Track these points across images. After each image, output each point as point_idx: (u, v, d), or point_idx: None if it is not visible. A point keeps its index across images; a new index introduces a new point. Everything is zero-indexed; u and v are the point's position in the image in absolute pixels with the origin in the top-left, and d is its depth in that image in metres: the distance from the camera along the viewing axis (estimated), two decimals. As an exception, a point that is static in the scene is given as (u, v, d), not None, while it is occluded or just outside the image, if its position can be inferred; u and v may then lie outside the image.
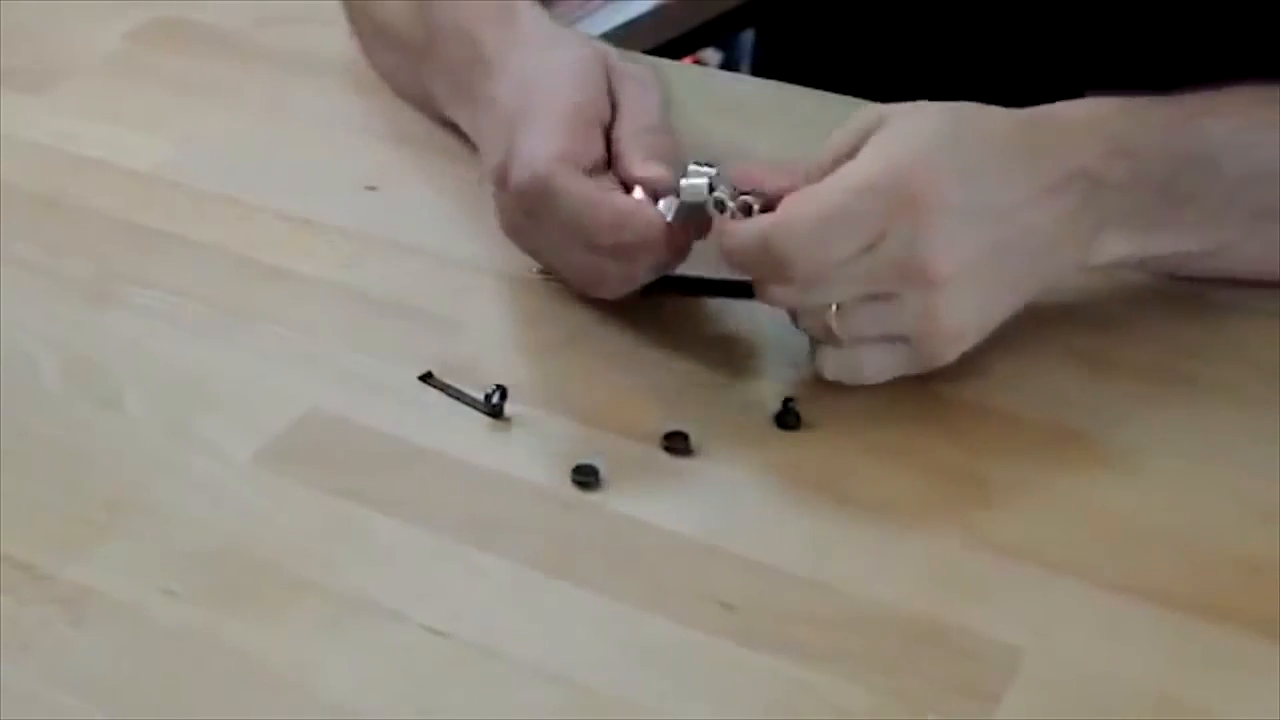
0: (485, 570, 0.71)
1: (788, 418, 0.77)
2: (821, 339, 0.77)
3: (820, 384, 0.78)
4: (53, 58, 1.07)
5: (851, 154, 0.75)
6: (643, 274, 0.81)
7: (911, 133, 0.75)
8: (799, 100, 1.00)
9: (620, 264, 0.80)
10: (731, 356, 0.81)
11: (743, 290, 0.80)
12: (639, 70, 0.86)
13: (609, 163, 0.82)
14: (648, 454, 0.76)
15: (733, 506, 0.74)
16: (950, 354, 0.76)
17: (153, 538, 0.73)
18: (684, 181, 0.78)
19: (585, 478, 0.75)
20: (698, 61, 1.95)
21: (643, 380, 0.80)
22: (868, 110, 0.77)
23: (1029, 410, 0.77)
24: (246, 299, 0.87)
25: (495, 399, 0.78)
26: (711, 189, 0.77)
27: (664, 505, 0.74)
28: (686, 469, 0.76)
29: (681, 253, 0.80)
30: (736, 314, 0.83)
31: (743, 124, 0.97)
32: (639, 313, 0.84)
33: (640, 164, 0.80)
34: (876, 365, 0.77)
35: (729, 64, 2.19)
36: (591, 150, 0.81)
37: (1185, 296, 0.83)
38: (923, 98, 0.93)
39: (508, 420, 0.78)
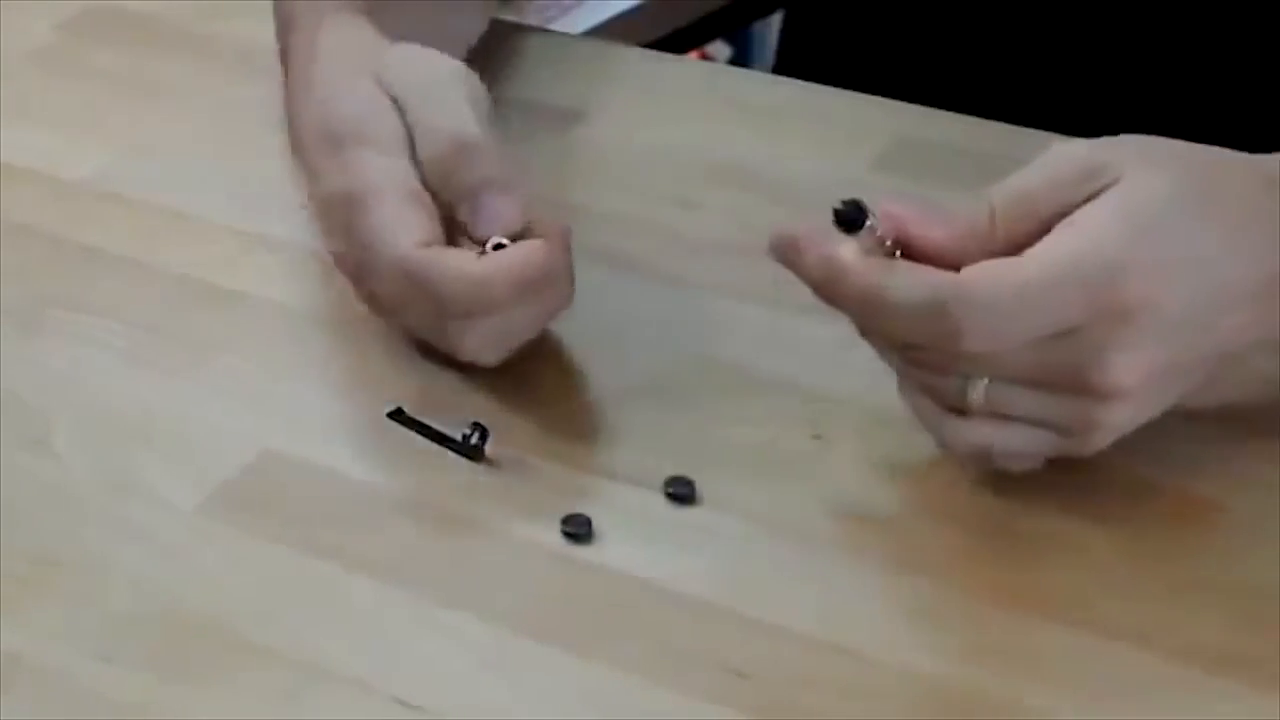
0: (462, 634, 0.72)
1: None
2: (946, 404, 0.74)
3: (843, 424, 0.79)
4: (-29, 52, 1.08)
5: (1046, 204, 0.71)
6: (545, 316, 0.80)
7: (1141, 208, 0.71)
8: (826, 101, 1.01)
9: (524, 310, 0.79)
10: (742, 389, 0.81)
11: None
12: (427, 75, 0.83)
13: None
14: (647, 502, 0.77)
15: (744, 561, 0.74)
16: (1094, 450, 0.74)
17: (86, 597, 0.74)
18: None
19: (576, 529, 0.75)
20: (704, 57, 1.96)
21: (641, 419, 0.80)
22: (1071, 150, 0.73)
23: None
24: (193, 326, 0.87)
25: (474, 439, 0.78)
26: (862, 224, 0.71)
27: (666, 560, 0.74)
28: (691, 519, 0.76)
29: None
30: (746, 338, 0.84)
31: (760, 128, 0.98)
32: (635, 343, 0.84)
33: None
34: (1011, 446, 0.74)
35: (740, 59, 2.20)
36: (433, 219, 0.80)
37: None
38: (961, 96, 0.93)
39: (489, 463, 0.78)
